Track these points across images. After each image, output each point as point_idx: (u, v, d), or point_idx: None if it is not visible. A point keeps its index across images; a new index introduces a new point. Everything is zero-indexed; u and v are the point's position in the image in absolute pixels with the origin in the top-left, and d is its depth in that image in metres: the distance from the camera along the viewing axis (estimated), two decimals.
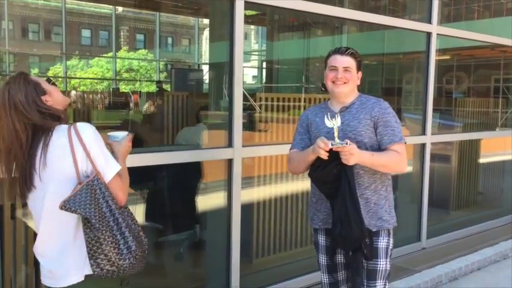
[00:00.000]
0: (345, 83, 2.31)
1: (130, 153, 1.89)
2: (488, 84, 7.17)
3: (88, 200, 1.60)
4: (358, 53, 2.41)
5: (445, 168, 5.49)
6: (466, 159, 5.65)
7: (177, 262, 3.80)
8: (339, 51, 2.35)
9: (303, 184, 4.10)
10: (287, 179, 3.98)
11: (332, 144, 2.06)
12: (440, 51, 4.86)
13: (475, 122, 5.98)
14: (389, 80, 6.51)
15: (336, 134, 2.09)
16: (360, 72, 2.40)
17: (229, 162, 3.15)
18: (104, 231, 1.63)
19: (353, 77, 2.34)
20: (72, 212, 1.59)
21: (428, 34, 4.46)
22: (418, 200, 4.65)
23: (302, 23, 9.17)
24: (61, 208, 1.58)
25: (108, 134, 1.84)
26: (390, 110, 2.37)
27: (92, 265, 1.65)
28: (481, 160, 5.83)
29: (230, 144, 3.12)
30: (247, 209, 3.65)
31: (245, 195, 3.65)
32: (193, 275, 3.57)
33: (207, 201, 3.79)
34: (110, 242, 1.64)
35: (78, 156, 1.65)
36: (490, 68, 7.00)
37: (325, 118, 2.15)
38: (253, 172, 3.79)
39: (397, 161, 2.29)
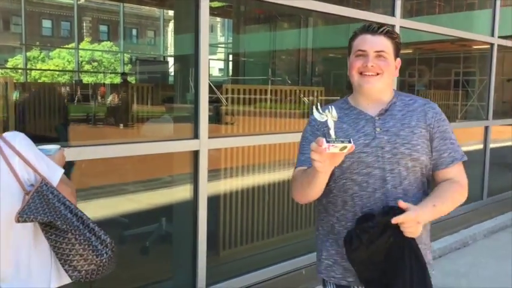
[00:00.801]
0: (378, 74, 1.65)
1: (94, 145, 1.84)
2: (449, 77, 7.35)
3: (44, 206, 1.52)
4: (397, 32, 1.79)
5: None
6: None
7: (143, 256, 3.76)
8: (370, 29, 1.68)
9: (269, 176, 4.12)
10: (253, 171, 3.99)
11: (328, 142, 1.34)
12: (403, 44, 4.94)
13: None
14: None
15: (331, 131, 1.38)
16: (398, 60, 1.74)
17: (195, 154, 3.13)
18: (73, 231, 1.55)
19: (389, 66, 1.67)
20: (32, 221, 1.49)
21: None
22: None
23: (268, 16, 9.17)
24: (17, 221, 1.47)
25: (39, 147, 1.69)
26: (444, 114, 1.74)
27: (67, 271, 1.57)
28: None
29: (196, 135, 3.10)
30: (214, 201, 3.64)
31: (212, 187, 3.64)
32: (159, 268, 3.55)
33: (173, 193, 3.75)
34: (82, 240, 1.56)
35: (15, 166, 1.55)
36: (451, 61, 7.19)
37: (314, 109, 1.44)
38: (220, 164, 3.78)
39: (460, 198, 1.65)
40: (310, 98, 4.78)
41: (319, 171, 1.43)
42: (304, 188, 1.59)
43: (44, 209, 1.52)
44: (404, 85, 6.62)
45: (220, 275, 3.44)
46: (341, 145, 1.33)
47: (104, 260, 1.60)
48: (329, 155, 1.37)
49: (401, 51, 1.81)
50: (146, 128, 4.17)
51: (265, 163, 4.05)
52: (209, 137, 3.16)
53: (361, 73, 1.66)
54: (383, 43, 1.66)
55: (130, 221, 4.08)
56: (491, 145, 6.16)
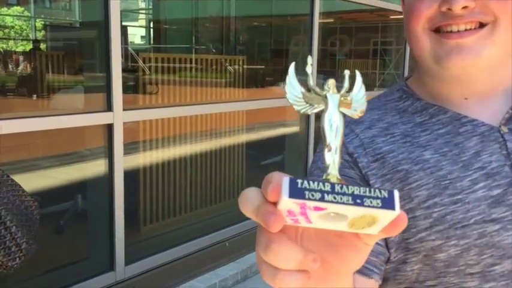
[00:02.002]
0: (484, 25, 0.70)
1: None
2: (368, 46, 7.55)
3: None
4: None
5: None
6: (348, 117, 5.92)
7: (57, 236, 3.56)
8: None
9: (191, 148, 4.02)
10: (174, 143, 3.86)
11: (304, 192, 0.33)
12: (324, 14, 4.96)
13: None
14: (277, 42, 6.56)
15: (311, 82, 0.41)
16: None
17: (109, 127, 2.96)
18: None
19: (507, 7, 0.68)
20: None
21: None
22: (304, 159, 4.80)
23: None
24: None
25: None
26: None
27: None
28: None
29: (109, 108, 2.92)
30: (132, 176, 3.50)
31: (130, 161, 3.48)
32: (75, 248, 3.37)
33: (88, 169, 3.55)
34: None
35: None
36: (370, 31, 7.37)
37: (290, 88, 0.41)
38: (138, 136, 3.62)
39: None
40: (235, 67, 4.69)
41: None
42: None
43: None
44: (326, 54, 6.70)
45: (140, 252, 3.34)
46: (355, 210, 0.34)
47: (15, 265, 1.43)
48: (312, 236, 0.40)
49: (323, 21, 1.73)
50: (57, 99, 3.89)
51: (186, 135, 3.94)
52: (124, 109, 3.00)
53: (437, 29, 0.72)
54: None
55: (42, 199, 3.83)
56: None
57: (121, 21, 3.00)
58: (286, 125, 5.07)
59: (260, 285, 3.32)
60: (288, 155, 5.12)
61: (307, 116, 4.75)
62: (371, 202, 0.33)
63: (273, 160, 5.11)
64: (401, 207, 0.60)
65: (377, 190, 0.34)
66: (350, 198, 0.33)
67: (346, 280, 0.44)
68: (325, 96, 0.40)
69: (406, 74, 6.26)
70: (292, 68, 0.42)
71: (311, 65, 0.42)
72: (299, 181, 0.33)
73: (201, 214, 3.98)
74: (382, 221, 0.34)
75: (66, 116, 2.86)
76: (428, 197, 0.70)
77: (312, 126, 4.73)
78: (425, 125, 0.77)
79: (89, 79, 4.04)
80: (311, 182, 0.33)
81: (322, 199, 0.33)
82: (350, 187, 0.33)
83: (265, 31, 6.89)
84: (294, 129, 4.94)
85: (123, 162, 3.05)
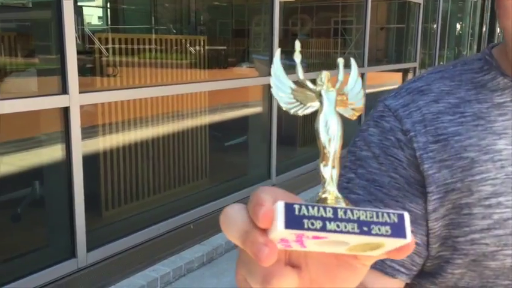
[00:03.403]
0: None
1: None
2: (329, 26, 7.57)
3: None
4: None
5: None
6: None
7: (15, 223, 3.44)
8: None
9: (153, 130, 3.95)
10: (135, 126, 3.78)
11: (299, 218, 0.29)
12: None
13: (318, 62, 6.30)
14: (239, 21, 6.49)
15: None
16: None
17: (66, 111, 2.86)
18: None
19: None
20: None
21: None
22: (267, 139, 4.80)
23: None
24: None
25: None
26: None
27: None
28: None
29: (64, 90, 2.82)
30: (92, 160, 3.41)
31: (90, 145, 3.39)
32: (34, 236, 3.28)
33: (45, 154, 3.44)
34: None
35: None
36: (330, 10, 7.38)
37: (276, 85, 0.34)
38: (98, 120, 3.52)
39: None
40: (196, 47, 4.61)
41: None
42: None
43: None
44: (287, 34, 6.68)
45: (102, 238, 3.28)
46: (359, 239, 0.29)
47: None
48: (301, 253, 0.33)
49: (284, 0, 1.70)
50: (9, 82, 3.73)
51: (147, 117, 3.86)
52: (81, 92, 2.90)
53: None
54: None
55: None
56: (367, 90, 6.52)
57: (76, 1, 2.88)
58: (249, 106, 5.04)
59: (226, 266, 3.33)
60: (251, 136, 5.11)
61: (270, 96, 4.74)
62: (379, 230, 0.29)
63: (236, 141, 5.09)
64: (458, 200, 0.61)
65: (385, 214, 0.29)
66: (355, 225, 0.29)
67: None
68: (320, 94, 0.33)
69: (366, 53, 6.33)
70: (277, 56, 0.34)
71: (299, 52, 0.33)
72: (296, 207, 0.28)
73: (164, 197, 3.93)
74: (387, 247, 0.30)
75: (19, 100, 2.75)
76: (492, 194, 0.60)
77: (275, 107, 4.72)
78: (506, 108, 0.64)
79: (43, 61, 3.89)
80: (310, 208, 0.29)
81: (323, 229, 0.28)
82: (355, 211, 0.29)
83: (226, 11, 6.80)
84: (257, 109, 4.93)
85: (81, 146, 2.97)
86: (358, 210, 0.29)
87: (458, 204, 0.61)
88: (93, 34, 4.09)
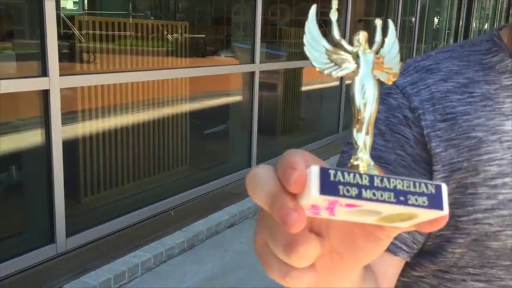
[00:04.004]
0: None
1: None
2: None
3: None
4: None
5: (272, 96, 5.74)
6: (290, 87, 5.97)
7: None
8: None
9: (133, 116, 3.90)
10: (115, 112, 3.74)
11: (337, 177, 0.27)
12: None
13: (298, 52, 6.31)
14: (218, 10, 6.44)
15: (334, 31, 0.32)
16: None
17: (45, 93, 2.80)
18: None
19: None
20: None
21: None
22: (248, 127, 4.80)
23: None
24: None
25: None
26: None
27: None
28: (303, 88, 6.23)
29: (45, 73, 2.76)
30: (71, 145, 3.36)
31: (69, 130, 3.34)
32: (12, 221, 3.22)
33: (24, 139, 3.37)
34: None
35: None
36: (310, 1, 7.40)
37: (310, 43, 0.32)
38: (77, 105, 3.47)
39: None
40: (174, 35, 4.56)
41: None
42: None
43: None
44: (267, 23, 6.68)
45: (82, 223, 3.24)
46: (395, 208, 0.28)
47: None
48: (323, 221, 0.32)
49: None
50: None
51: (128, 103, 3.81)
52: (61, 75, 2.85)
53: None
54: None
55: None
56: (347, 82, 6.58)
57: None
58: (230, 94, 5.03)
59: (207, 252, 3.34)
60: (232, 123, 5.10)
61: (251, 84, 4.74)
62: (416, 200, 0.28)
63: (216, 129, 5.08)
64: (464, 179, 0.61)
65: (423, 184, 0.28)
66: (392, 195, 0.27)
67: (354, 275, 0.38)
68: (357, 55, 0.32)
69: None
70: (313, 12, 0.32)
71: (336, 10, 0.31)
72: (331, 172, 0.27)
73: (145, 184, 3.91)
74: (421, 218, 0.29)
75: None
76: (498, 174, 0.61)
77: (256, 96, 4.72)
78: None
79: (23, 45, 3.80)
80: (346, 174, 0.27)
81: (359, 196, 0.27)
82: (392, 180, 0.28)
83: None
84: (238, 97, 4.92)
85: (61, 131, 2.92)
86: (395, 179, 0.28)
87: (464, 184, 0.61)
88: (69, 19, 4.00)
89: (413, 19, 9.17)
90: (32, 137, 3.06)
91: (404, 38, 8.79)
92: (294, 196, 0.28)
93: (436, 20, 11.52)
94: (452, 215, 0.61)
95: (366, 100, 0.31)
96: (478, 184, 0.61)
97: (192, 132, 4.42)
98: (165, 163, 4.17)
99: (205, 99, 4.81)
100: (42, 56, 2.74)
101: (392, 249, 0.62)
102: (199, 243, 3.44)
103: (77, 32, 3.72)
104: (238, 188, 4.35)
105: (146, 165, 3.99)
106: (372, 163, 0.31)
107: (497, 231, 0.61)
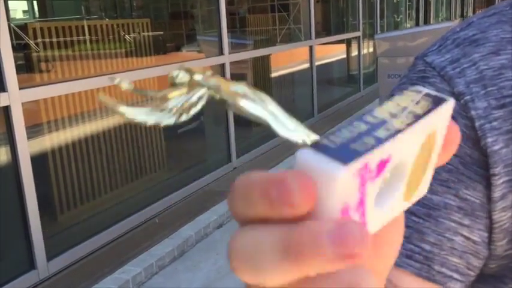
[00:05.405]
0: None
1: None
2: (266, 3, 7.45)
3: None
4: None
5: None
6: (260, 75, 5.83)
7: None
8: None
9: (103, 123, 3.69)
10: (83, 121, 3.51)
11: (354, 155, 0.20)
12: None
13: (264, 38, 6.18)
14: (174, 4, 6.24)
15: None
16: None
17: (6, 110, 2.57)
18: None
19: None
20: None
21: None
22: (224, 122, 4.64)
23: None
24: None
25: None
26: None
27: None
28: (273, 74, 6.10)
29: (2, 88, 2.53)
30: (41, 161, 3.13)
31: (36, 145, 3.11)
32: None
33: None
34: None
35: None
36: None
37: None
38: (42, 118, 3.24)
39: None
40: (135, 34, 4.34)
41: None
42: None
43: None
44: (227, 13, 6.52)
45: (62, 244, 3.03)
46: (416, 134, 0.23)
47: None
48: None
49: None
50: None
51: (96, 110, 3.59)
52: (21, 88, 2.63)
53: None
54: None
55: None
56: (317, 63, 6.49)
57: None
58: None
59: (199, 257, 3.17)
60: (206, 119, 4.93)
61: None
62: (421, 108, 0.22)
63: (191, 126, 4.89)
64: None
65: (410, 93, 0.23)
66: (401, 117, 0.21)
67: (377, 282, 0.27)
68: (197, 82, 0.25)
69: (313, 26, 6.26)
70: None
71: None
72: (325, 141, 0.20)
73: (123, 192, 3.70)
74: (438, 140, 0.23)
75: None
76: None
77: None
78: None
79: None
80: (337, 132, 0.21)
81: (380, 141, 0.20)
82: (384, 106, 0.22)
83: None
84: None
85: (28, 146, 2.70)
86: (385, 104, 0.22)
87: None
88: (20, 29, 3.73)
89: None
90: None
91: (366, 14, 8.74)
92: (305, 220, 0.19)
93: None
94: None
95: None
96: None
97: (166, 133, 4.23)
98: (141, 168, 3.98)
99: None
100: None
101: (439, 280, 0.47)
102: (189, 249, 3.28)
103: (30, 42, 3.47)
104: (222, 186, 4.19)
105: (122, 173, 3.78)
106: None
107: None
